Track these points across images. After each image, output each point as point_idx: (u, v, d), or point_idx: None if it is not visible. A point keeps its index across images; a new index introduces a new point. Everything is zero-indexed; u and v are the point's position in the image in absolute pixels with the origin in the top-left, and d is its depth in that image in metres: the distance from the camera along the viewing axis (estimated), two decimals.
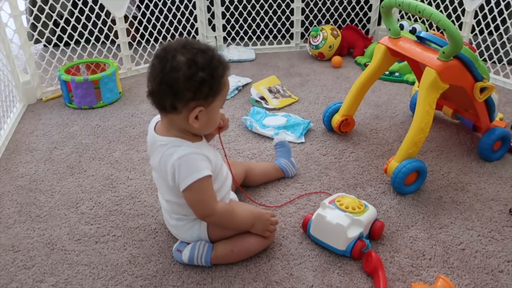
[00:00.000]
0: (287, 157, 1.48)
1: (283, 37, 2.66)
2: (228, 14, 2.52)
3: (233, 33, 2.58)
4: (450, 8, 2.28)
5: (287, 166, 1.46)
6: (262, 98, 1.99)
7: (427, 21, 2.39)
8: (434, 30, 2.40)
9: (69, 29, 2.09)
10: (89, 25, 2.11)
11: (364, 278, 1.10)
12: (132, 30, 2.30)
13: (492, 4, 2.11)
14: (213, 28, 2.54)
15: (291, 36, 2.66)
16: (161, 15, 2.33)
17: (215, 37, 2.55)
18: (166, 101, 0.99)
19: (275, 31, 2.61)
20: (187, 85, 0.96)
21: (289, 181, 1.46)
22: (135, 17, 2.37)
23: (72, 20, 2.08)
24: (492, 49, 2.20)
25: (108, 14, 2.17)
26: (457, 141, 1.68)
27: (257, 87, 2.03)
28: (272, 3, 2.53)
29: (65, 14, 2.09)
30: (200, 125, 1.02)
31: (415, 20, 2.43)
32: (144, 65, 2.35)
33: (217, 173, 1.10)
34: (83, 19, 2.08)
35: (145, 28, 2.35)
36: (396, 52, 1.51)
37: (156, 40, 2.38)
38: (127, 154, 1.62)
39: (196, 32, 2.51)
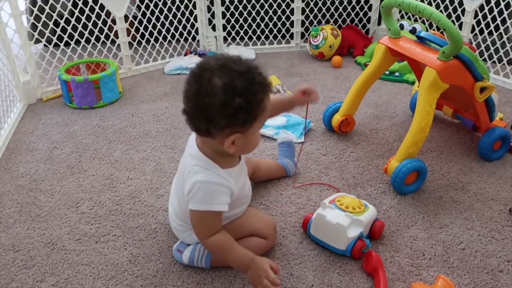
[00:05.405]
0: (291, 157, 1.49)
1: (283, 37, 2.66)
2: (228, 14, 2.52)
3: (233, 33, 2.58)
4: (450, 8, 2.28)
5: (290, 166, 1.47)
6: None
7: (427, 21, 2.39)
8: (434, 30, 2.40)
9: (69, 29, 2.09)
10: (89, 25, 2.11)
11: (364, 278, 1.10)
12: (132, 30, 2.30)
13: (492, 4, 2.11)
14: (213, 28, 2.54)
15: (291, 36, 2.66)
16: (161, 15, 2.33)
17: (215, 37, 2.55)
18: (200, 125, 0.93)
19: (275, 31, 2.62)
20: (222, 112, 0.89)
21: (289, 180, 1.46)
22: (135, 17, 2.37)
23: (73, 20, 2.08)
24: (492, 49, 2.20)
25: (108, 14, 2.17)
26: (457, 141, 1.68)
27: None
28: (272, 3, 2.53)
29: (66, 14, 2.09)
30: (236, 150, 0.97)
31: (415, 20, 2.43)
32: (144, 65, 2.35)
33: (238, 195, 1.07)
34: (83, 19, 2.08)
35: (145, 28, 2.35)
36: (396, 52, 1.51)
37: (156, 40, 2.38)
38: (127, 154, 1.62)
39: (196, 32, 2.51)
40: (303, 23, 2.62)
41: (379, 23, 2.70)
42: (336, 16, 2.67)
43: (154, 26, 2.34)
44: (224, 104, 0.88)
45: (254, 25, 2.58)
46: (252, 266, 1.01)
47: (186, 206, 1.05)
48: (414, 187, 1.39)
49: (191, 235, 1.13)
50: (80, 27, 2.10)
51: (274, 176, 1.46)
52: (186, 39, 2.52)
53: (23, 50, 1.94)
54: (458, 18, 2.27)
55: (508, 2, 2.06)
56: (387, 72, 2.20)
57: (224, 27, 2.55)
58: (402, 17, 2.55)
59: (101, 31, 2.17)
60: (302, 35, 2.67)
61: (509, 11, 2.07)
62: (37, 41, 2.22)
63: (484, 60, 2.27)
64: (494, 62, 2.24)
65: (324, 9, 2.61)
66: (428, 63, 1.35)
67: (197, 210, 1.00)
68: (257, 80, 0.91)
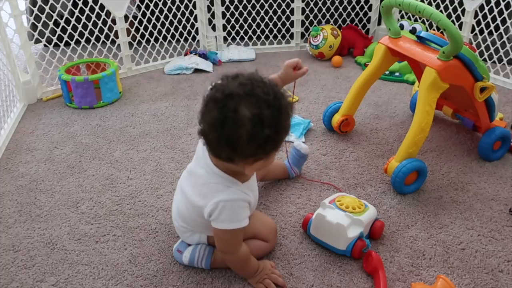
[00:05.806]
0: (298, 166, 1.47)
1: (283, 37, 2.66)
2: (228, 14, 2.52)
3: (233, 33, 2.58)
4: (450, 8, 2.28)
5: (294, 172, 1.46)
6: None
7: (427, 21, 2.39)
8: (434, 30, 2.40)
9: (69, 29, 2.09)
10: (90, 25, 2.11)
11: (364, 277, 1.10)
12: (132, 30, 2.30)
13: (492, 4, 2.11)
14: (213, 28, 2.54)
15: (291, 36, 2.66)
16: (161, 15, 2.33)
17: (215, 37, 2.55)
18: (223, 153, 0.90)
19: (275, 31, 2.61)
20: (249, 144, 0.86)
21: (289, 181, 1.46)
22: (135, 17, 2.37)
23: (73, 20, 2.08)
24: (492, 49, 2.20)
25: (108, 14, 2.17)
26: (457, 141, 1.68)
27: None
28: (272, 3, 2.53)
29: (66, 14, 2.09)
30: (255, 171, 0.97)
31: (415, 20, 2.43)
32: (144, 65, 2.35)
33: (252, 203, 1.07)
34: (83, 19, 2.08)
35: (145, 28, 2.35)
36: (396, 52, 1.51)
37: (156, 40, 2.38)
38: (127, 154, 1.62)
39: (196, 32, 2.51)
40: (303, 23, 2.62)
41: (379, 23, 2.70)
42: (336, 16, 2.67)
43: (154, 26, 2.34)
44: (253, 136, 0.85)
45: (254, 25, 2.58)
46: (259, 269, 1.07)
47: (195, 213, 1.04)
48: (414, 187, 1.39)
49: (191, 236, 1.13)
50: (80, 27, 2.10)
51: (277, 178, 1.46)
52: (186, 39, 2.52)
53: (23, 50, 1.94)
54: (458, 18, 2.27)
55: (508, 2, 2.06)
56: (387, 72, 2.20)
57: (224, 27, 2.55)
58: (402, 17, 2.55)
59: (101, 31, 2.17)
60: (302, 35, 2.67)
61: (509, 11, 2.06)
62: (37, 41, 2.22)
63: (484, 60, 2.27)
64: (494, 62, 2.24)
65: (324, 9, 2.61)
66: (428, 63, 1.34)
67: (224, 229, 0.98)
68: (284, 106, 0.88)
